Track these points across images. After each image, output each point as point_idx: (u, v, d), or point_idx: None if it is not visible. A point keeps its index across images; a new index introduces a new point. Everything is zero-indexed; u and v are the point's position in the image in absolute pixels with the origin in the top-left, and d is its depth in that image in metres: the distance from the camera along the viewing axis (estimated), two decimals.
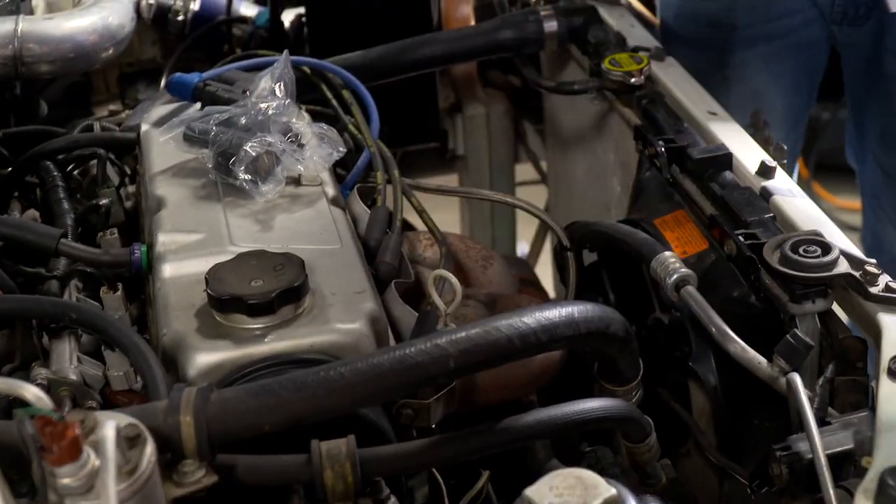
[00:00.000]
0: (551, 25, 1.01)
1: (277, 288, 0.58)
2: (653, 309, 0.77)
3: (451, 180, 1.37)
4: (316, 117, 0.79)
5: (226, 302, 0.58)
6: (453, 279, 0.64)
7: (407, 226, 0.90)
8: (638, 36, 0.99)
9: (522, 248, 1.42)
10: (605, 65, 0.93)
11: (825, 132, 1.87)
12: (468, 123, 1.28)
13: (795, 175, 0.96)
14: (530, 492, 0.43)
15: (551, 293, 1.08)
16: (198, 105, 0.81)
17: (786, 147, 0.82)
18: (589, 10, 1.01)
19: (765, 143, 0.83)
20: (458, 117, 1.29)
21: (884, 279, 0.62)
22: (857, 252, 0.66)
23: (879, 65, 0.94)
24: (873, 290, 0.62)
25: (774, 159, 0.78)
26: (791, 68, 1.00)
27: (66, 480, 0.41)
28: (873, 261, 0.63)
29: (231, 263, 0.61)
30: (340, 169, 0.80)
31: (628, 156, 0.95)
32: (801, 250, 0.64)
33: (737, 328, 0.63)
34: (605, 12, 1.01)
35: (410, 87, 1.13)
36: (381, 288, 0.67)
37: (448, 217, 1.25)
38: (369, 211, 0.75)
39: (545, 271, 1.19)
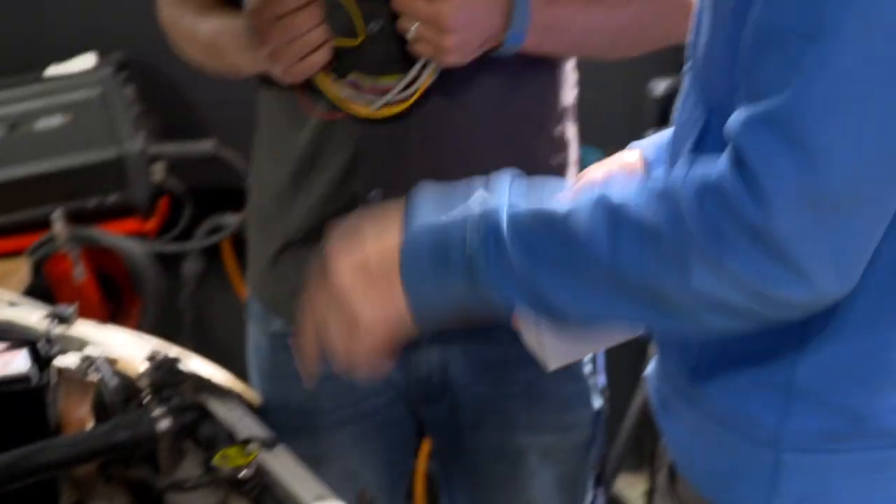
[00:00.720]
0: (163, 424, 1.09)
1: None
2: None
3: None
4: None
5: None
6: None
7: None
8: (249, 425, 1.08)
9: None
10: (216, 460, 1.01)
11: None
12: None
13: None
14: None
15: None
16: None
17: None
18: (199, 406, 1.11)
19: None
20: None
21: None
22: None
23: (460, 440, 1.12)
24: None
25: None
26: (385, 444, 1.15)
27: None
28: None
29: None
30: None
31: None
32: None
33: None
34: (215, 406, 1.11)
35: (31, 491, 1.09)
36: None
37: None
38: None
39: None
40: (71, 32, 2.28)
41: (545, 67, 1.14)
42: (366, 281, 0.74)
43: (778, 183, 0.60)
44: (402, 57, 1.05)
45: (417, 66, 1.04)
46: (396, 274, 0.73)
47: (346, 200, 1.10)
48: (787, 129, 0.61)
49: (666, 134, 0.95)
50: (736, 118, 0.65)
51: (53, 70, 2.21)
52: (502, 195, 0.72)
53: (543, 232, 0.70)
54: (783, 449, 0.73)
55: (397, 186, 0.98)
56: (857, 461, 0.73)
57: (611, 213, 0.67)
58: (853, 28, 0.61)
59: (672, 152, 0.81)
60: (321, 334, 0.77)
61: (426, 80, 1.04)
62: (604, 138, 1.50)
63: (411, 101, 1.05)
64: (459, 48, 1.01)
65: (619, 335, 0.89)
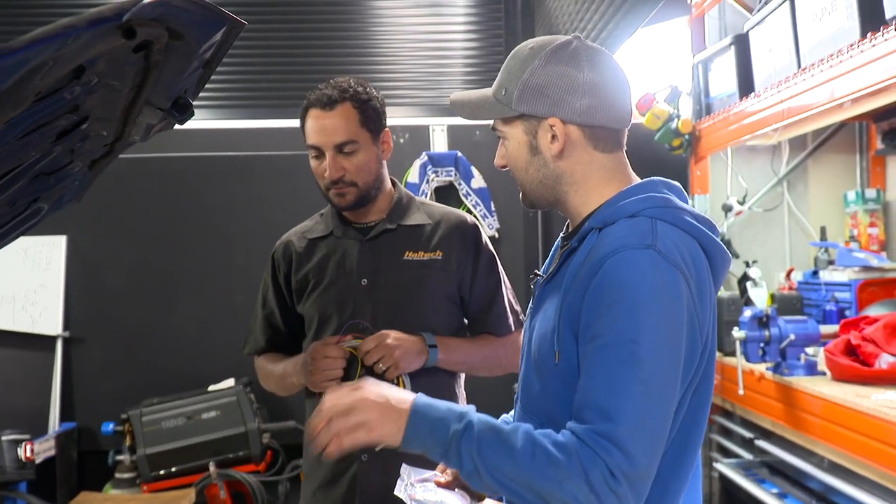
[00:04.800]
0: None
1: None
2: None
3: None
4: None
5: None
6: None
7: None
8: None
9: None
10: None
11: None
12: None
13: None
14: None
15: None
16: None
17: None
18: None
19: None
20: None
21: None
22: None
23: None
24: None
25: None
26: None
27: None
28: None
29: None
30: None
31: None
32: None
33: None
34: None
35: None
36: None
37: None
38: None
39: None
40: (222, 369, 3.87)
41: (451, 384, 1.81)
42: (381, 408, 1.10)
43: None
44: None
45: None
46: (404, 419, 1.09)
47: (351, 459, 1.71)
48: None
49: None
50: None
51: (213, 387, 3.80)
52: (472, 415, 1.10)
53: (491, 440, 1.06)
54: None
55: (375, 452, 1.35)
56: None
57: (532, 442, 1.04)
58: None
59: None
60: (330, 423, 1.11)
61: None
62: None
63: None
64: (403, 358, 1.65)
65: None
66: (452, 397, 1.83)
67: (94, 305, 4.05)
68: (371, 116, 1.77)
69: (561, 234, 1.30)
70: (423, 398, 1.13)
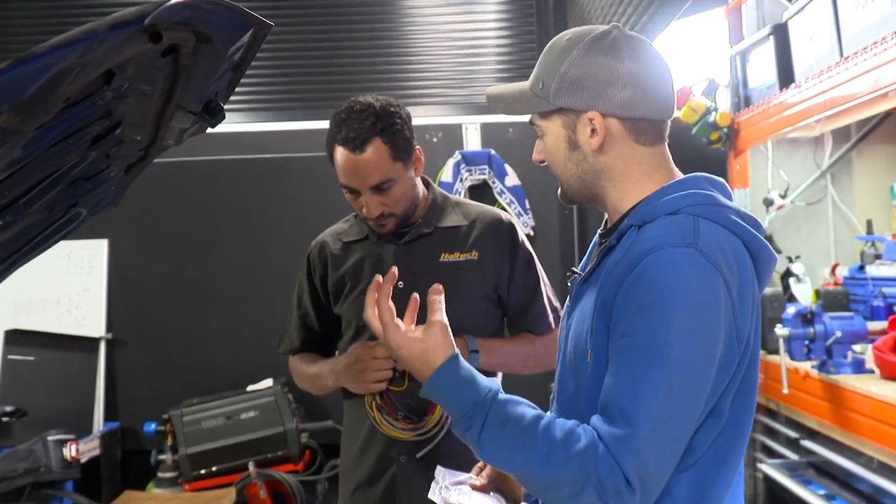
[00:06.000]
0: None
1: None
2: None
3: None
4: None
5: None
6: None
7: None
8: None
9: None
10: None
11: None
12: None
13: None
14: None
15: None
16: None
17: None
18: None
19: None
20: None
21: None
22: None
23: None
24: None
25: None
26: None
27: None
28: None
29: None
30: None
31: None
32: None
33: None
34: None
35: None
36: None
37: None
38: None
39: None
40: (260, 369, 3.90)
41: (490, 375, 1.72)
42: (415, 353, 1.19)
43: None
44: (417, 408, 1.67)
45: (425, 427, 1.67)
46: (431, 369, 1.16)
47: (386, 462, 1.72)
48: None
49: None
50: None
51: (251, 387, 3.84)
52: (497, 389, 1.14)
53: (512, 420, 1.09)
54: None
55: (414, 456, 1.65)
56: None
57: (549, 441, 1.04)
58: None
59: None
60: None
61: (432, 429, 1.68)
62: None
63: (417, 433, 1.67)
64: None
65: None
66: None
67: (136, 307, 4.12)
68: (401, 146, 1.71)
69: (599, 231, 1.27)
70: (450, 365, 1.17)
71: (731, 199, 1.18)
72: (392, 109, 1.72)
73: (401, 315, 1.27)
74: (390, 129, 1.69)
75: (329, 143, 1.73)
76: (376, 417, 1.69)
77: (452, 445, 1.58)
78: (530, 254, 1.86)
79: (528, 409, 1.11)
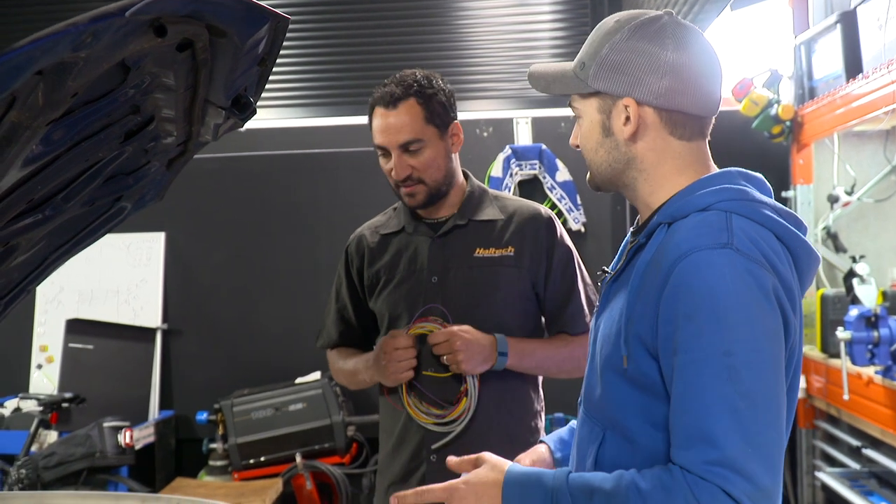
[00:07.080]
0: None
1: None
2: None
3: None
4: None
5: None
6: None
7: None
8: None
9: None
10: None
11: None
12: None
13: None
14: None
15: None
16: None
17: None
18: None
19: None
20: None
21: None
22: None
23: None
24: None
25: None
26: None
27: None
28: None
29: None
30: None
31: None
32: None
33: None
34: None
35: None
36: None
37: None
38: None
39: None
40: (309, 362, 3.93)
41: (524, 387, 1.73)
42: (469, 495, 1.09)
43: None
44: (453, 395, 1.67)
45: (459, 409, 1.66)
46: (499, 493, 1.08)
47: (420, 459, 1.72)
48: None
49: (563, 432, 1.33)
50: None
51: (300, 379, 3.87)
52: (569, 470, 1.07)
53: (597, 489, 1.01)
54: None
55: (444, 452, 1.60)
56: None
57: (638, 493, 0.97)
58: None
59: (578, 456, 1.17)
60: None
61: (463, 414, 1.67)
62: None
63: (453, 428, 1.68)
64: (466, 361, 1.62)
65: None
66: (523, 400, 1.78)
67: (190, 299, 4.20)
68: (437, 111, 1.72)
69: (630, 229, 1.22)
70: (509, 476, 1.11)
71: (770, 195, 1.12)
72: (433, 80, 1.75)
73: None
74: (426, 94, 1.72)
75: (369, 109, 1.76)
76: (405, 401, 1.71)
77: (469, 445, 1.58)
78: (569, 250, 1.81)
79: (604, 475, 1.05)
